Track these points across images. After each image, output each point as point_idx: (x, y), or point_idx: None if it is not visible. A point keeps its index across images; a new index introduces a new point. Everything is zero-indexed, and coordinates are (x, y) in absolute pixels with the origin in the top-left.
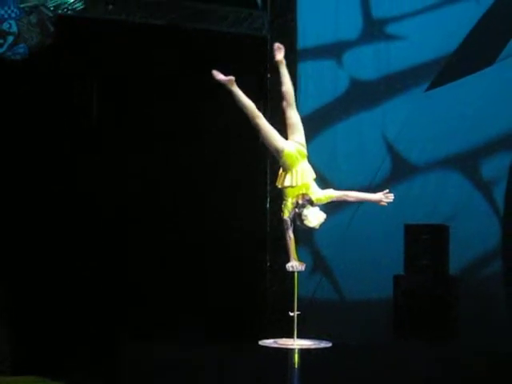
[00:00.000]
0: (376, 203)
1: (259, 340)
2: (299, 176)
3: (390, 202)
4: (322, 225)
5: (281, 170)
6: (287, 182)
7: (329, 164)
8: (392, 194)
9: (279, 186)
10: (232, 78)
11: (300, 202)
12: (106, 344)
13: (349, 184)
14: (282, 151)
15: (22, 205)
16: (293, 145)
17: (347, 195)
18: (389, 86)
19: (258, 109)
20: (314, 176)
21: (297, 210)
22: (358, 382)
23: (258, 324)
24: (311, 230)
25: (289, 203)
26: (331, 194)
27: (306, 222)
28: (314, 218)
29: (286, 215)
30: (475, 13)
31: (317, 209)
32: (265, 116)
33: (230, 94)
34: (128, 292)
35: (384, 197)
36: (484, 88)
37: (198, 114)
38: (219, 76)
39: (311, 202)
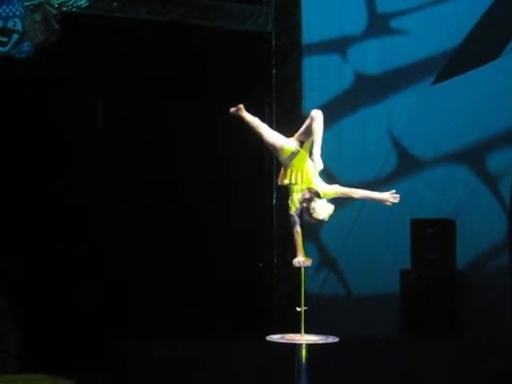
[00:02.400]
0: (381, 202)
1: (267, 335)
2: (299, 172)
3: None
4: (331, 218)
5: (282, 168)
6: (288, 179)
7: (334, 158)
8: (398, 195)
9: (279, 183)
10: (240, 106)
11: (307, 196)
12: (114, 342)
13: (354, 178)
14: (282, 148)
15: (26, 203)
16: (293, 142)
17: (353, 192)
18: (394, 81)
19: (263, 104)
20: (316, 172)
21: (304, 205)
22: (365, 376)
23: (265, 319)
24: (320, 222)
25: (295, 199)
26: (337, 189)
27: (314, 215)
28: (323, 210)
29: (293, 211)
30: (480, 6)
31: (324, 200)
32: (270, 109)
33: (240, 119)
34: (135, 289)
35: (391, 197)
36: (490, 81)
37: (203, 110)
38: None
39: (318, 195)
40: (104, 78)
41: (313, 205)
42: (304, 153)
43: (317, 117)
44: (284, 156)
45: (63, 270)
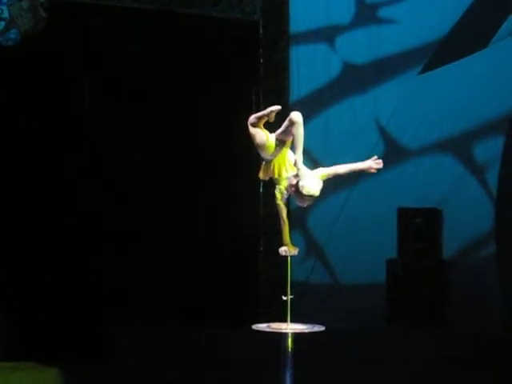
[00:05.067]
0: (366, 171)
1: (252, 324)
2: (282, 166)
3: (383, 185)
4: (318, 205)
5: (264, 163)
6: (270, 174)
7: (321, 148)
8: (381, 161)
9: (261, 178)
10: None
11: (293, 182)
12: (99, 328)
13: None
14: (264, 145)
15: (12, 193)
16: (274, 139)
17: (338, 169)
18: (381, 70)
19: (250, 93)
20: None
21: (293, 189)
22: (352, 365)
23: (251, 308)
24: (312, 200)
25: (282, 187)
26: (323, 172)
27: (305, 191)
28: (312, 184)
29: (280, 199)
30: None
31: (311, 177)
32: (257, 98)
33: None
34: (121, 276)
35: (374, 163)
36: (477, 71)
37: (192, 99)
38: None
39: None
40: (91, 65)
41: (301, 183)
42: (285, 149)
43: (297, 120)
44: (266, 153)
45: (48, 257)
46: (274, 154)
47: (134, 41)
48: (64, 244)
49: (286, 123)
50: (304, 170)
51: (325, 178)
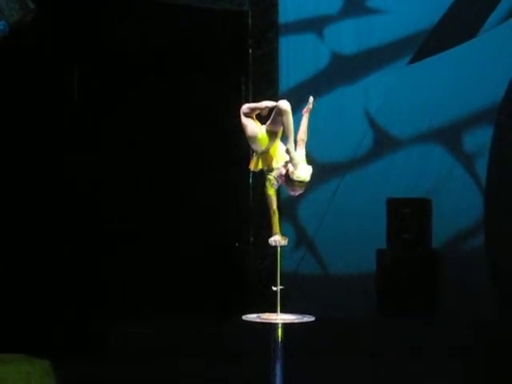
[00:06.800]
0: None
1: (242, 314)
2: (274, 158)
3: (372, 176)
4: (308, 196)
5: (254, 154)
6: (262, 166)
7: (310, 138)
8: (311, 97)
9: (252, 169)
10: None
11: (283, 172)
12: (89, 322)
13: (330, 158)
14: (255, 137)
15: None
16: (265, 131)
17: (302, 137)
18: (370, 60)
19: (239, 83)
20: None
21: (283, 178)
22: (341, 355)
23: (241, 298)
24: (304, 186)
25: (272, 177)
26: (302, 152)
27: (295, 178)
28: (302, 170)
29: (270, 189)
30: None
31: (300, 163)
32: (246, 89)
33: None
34: (111, 268)
35: (310, 104)
36: (466, 61)
37: (182, 90)
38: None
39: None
40: (81, 56)
41: (291, 169)
42: (276, 140)
43: (285, 109)
44: (257, 145)
45: (40, 249)
46: (266, 147)
47: (121, 31)
48: (56, 239)
49: (274, 113)
50: (297, 158)
51: (305, 155)
